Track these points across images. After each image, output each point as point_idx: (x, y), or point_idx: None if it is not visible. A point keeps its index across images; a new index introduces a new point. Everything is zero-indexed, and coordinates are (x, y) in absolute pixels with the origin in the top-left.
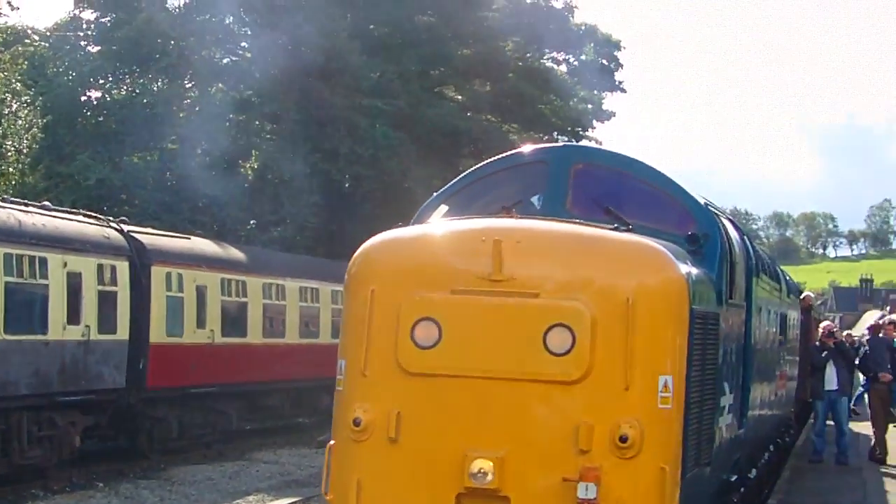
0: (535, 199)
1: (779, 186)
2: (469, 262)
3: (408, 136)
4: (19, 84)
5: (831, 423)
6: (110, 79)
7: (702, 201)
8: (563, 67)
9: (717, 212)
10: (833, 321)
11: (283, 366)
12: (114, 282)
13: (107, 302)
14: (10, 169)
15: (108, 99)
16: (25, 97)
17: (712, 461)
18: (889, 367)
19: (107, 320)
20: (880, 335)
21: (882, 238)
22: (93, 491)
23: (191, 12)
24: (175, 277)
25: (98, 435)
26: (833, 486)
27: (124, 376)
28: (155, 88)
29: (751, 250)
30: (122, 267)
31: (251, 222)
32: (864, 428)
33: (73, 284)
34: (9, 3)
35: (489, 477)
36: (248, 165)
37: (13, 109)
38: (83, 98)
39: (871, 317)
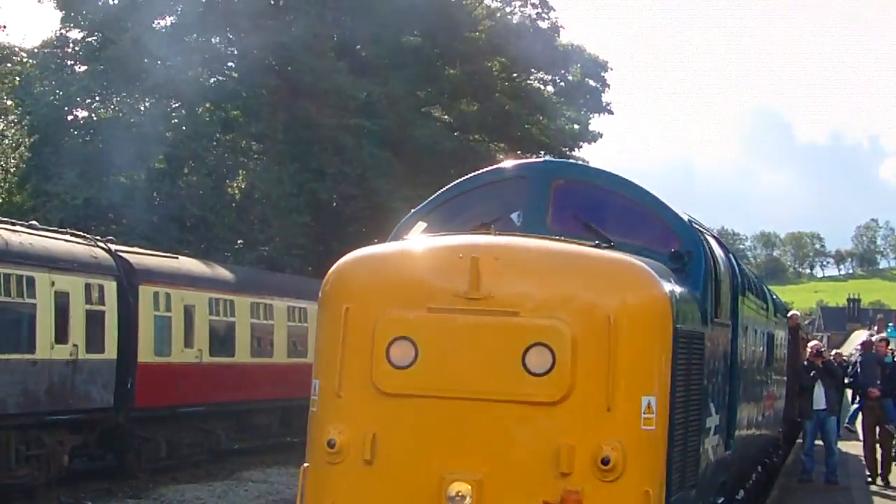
0: (514, 216)
1: (766, 206)
2: (446, 280)
3: (395, 155)
4: (9, 101)
5: (820, 442)
6: (97, 98)
7: (686, 218)
8: (550, 87)
9: (701, 229)
10: (821, 340)
11: (272, 385)
12: (101, 301)
13: (95, 321)
14: None
15: (95, 118)
16: (13, 116)
17: (698, 483)
18: (878, 383)
19: (95, 340)
20: (872, 351)
21: (869, 258)
22: None
23: (178, 32)
24: (163, 297)
25: (86, 454)
26: None
27: (112, 395)
28: (142, 108)
29: (736, 268)
30: (110, 286)
31: (239, 241)
32: (853, 447)
33: (61, 304)
34: None
35: (467, 500)
36: (236, 185)
37: (0, 129)
38: (70, 117)
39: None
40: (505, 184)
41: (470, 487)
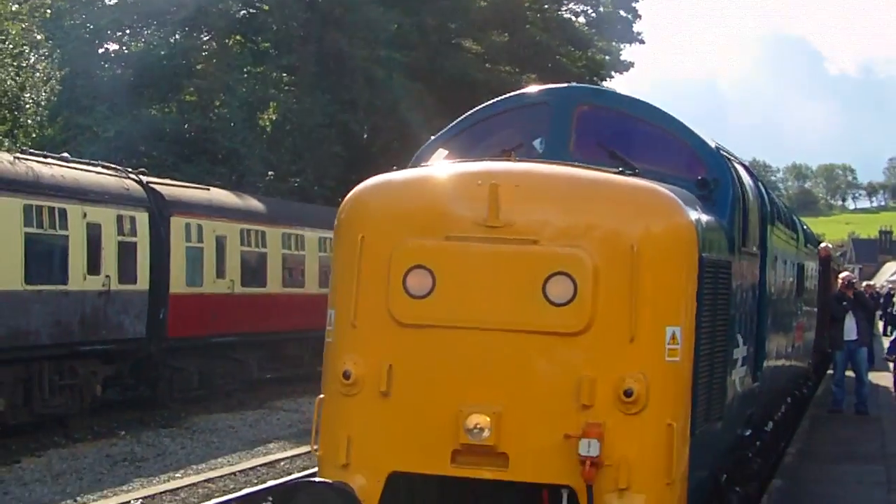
0: (537, 143)
1: (798, 138)
2: (465, 207)
3: (426, 87)
4: (39, 35)
5: (851, 374)
6: (128, 32)
7: (713, 145)
8: (582, 19)
9: (728, 156)
10: (852, 272)
11: (303, 315)
12: (133, 232)
13: (126, 252)
14: (29, 121)
15: (126, 51)
16: (44, 49)
17: (724, 416)
18: None
19: (127, 271)
20: None
21: None
22: (114, 439)
23: None
24: (194, 228)
25: (119, 384)
26: (852, 436)
27: (145, 326)
28: (172, 41)
29: (765, 197)
30: (142, 218)
31: (270, 173)
32: (883, 379)
33: (93, 235)
34: None
35: (486, 433)
36: (267, 116)
37: (31, 62)
38: (101, 50)
39: (890, 268)
40: (528, 110)
41: (489, 420)
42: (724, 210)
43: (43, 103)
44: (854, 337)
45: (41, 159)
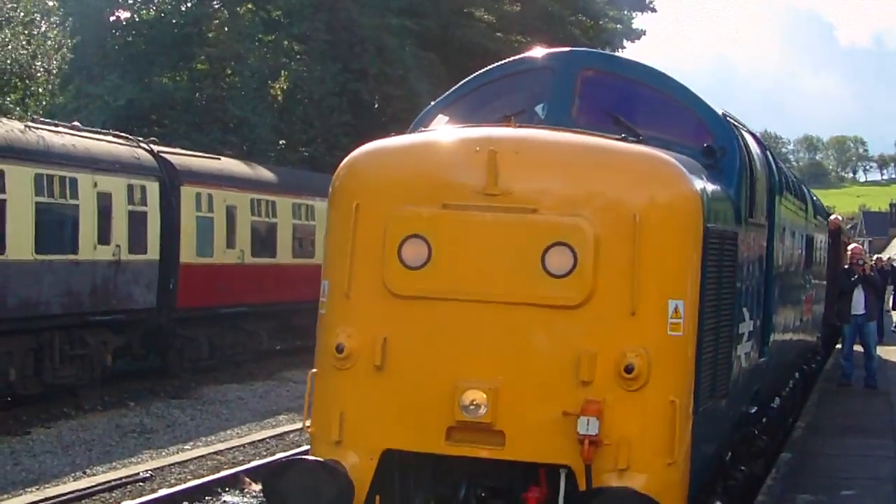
0: (539, 108)
1: (809, 110)
2: (462, 175)
3: (437, 56)
4: (50, 2)
5: (859, 348)
6: None
7: (720, 112)
8: None
9: (736, 124)
10: (862, 245)
11: (313, 286)
12: (144, 202)
13: (137, 222)
14: (40, 90)
15: (137, 19)
16: (55, 17)
17: (729, 392)
18: None
19: (137, 240)
20: None
21: None
22: (124, 410)
23: None
24: (205, 198)
25: (129, 354)
26: (861, 409)
27: (155, 296)
28: (183, 9)
29: (773, 167)
30: (152, 187)
31: (281, 142)
32: (893, 353)
33: (104, 205)
34: None
35: (482, 409)
36: (278, 86)
37: (42, 30)
38: (112, 18)
39: None
40: (530, 74)
41: (485, 396)
42: (731, 179)
43: (54, 71)
44: (862, 311)
45: (52, 128)
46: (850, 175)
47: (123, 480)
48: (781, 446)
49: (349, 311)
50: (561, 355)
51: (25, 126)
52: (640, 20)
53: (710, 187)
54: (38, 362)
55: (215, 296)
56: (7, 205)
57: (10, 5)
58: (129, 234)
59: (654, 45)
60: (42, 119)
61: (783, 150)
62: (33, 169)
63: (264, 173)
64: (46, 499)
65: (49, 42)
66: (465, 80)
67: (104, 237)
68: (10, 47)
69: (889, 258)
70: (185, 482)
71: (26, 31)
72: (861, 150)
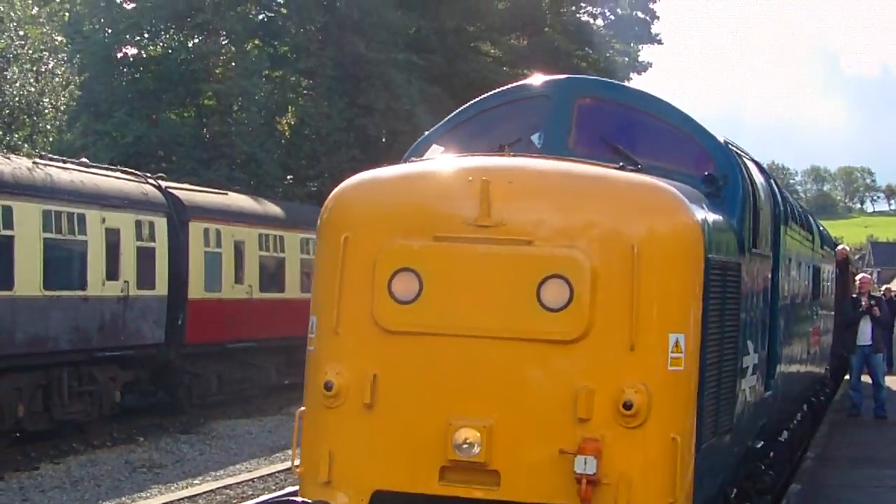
0: (535, 137)
1: (816, 140)
2: (454, 206)
3: (444, 91)
4: (58, 39)
5: (868, 378)
6: (146, 35)
7: (721, 139)
8: (600, 21)
9: (739, 152)
10: (871, 276)
11: None
12: (152, 238)
13: (145, 258)
14: (48, 126)
15: (145, 56)
16: (63, 54)
17: (734, 428)
18: None
19: (145, 276)
20: None
21: None
22: (133, 445)
23: None
24: (213, 233)
25: (138, 390)
26: (871, 440)
27: (163, 332)
28: (191, 45)
29: (778, 196)
30: (160, 223)
31: (288, 177)
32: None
33: (112, 240)
34: None
35: (476, 449)
36: (285, 121)
37: (50, 67)
38: (119, 55)
39: None
40: (526, 102)
41: (479, 434)
42: (734, 209)
43: (62, 108)
44: (868, 342)
45: (60, 164)
46: (858, 205)
47: None
48: (791, 478)
49: (338, 348)
50: (557, 391)
51: (33, 163)
52: (646, 52)
53: (712, 217)
54: (46, 398)
55: (224, 331)
56: (15, 241)
57: (17, 42)
58: (138, 270)
59: (660, 77)
60: (50, 156)
61: (791, 181)
62: (41, 205)
63: (272, 208)
64: None
65: (57, 79)
66: (460, 109)
67: (112, 273)
68: (18, 84)
69: None
70: None
71: (34, 69)
72: (868, 181)
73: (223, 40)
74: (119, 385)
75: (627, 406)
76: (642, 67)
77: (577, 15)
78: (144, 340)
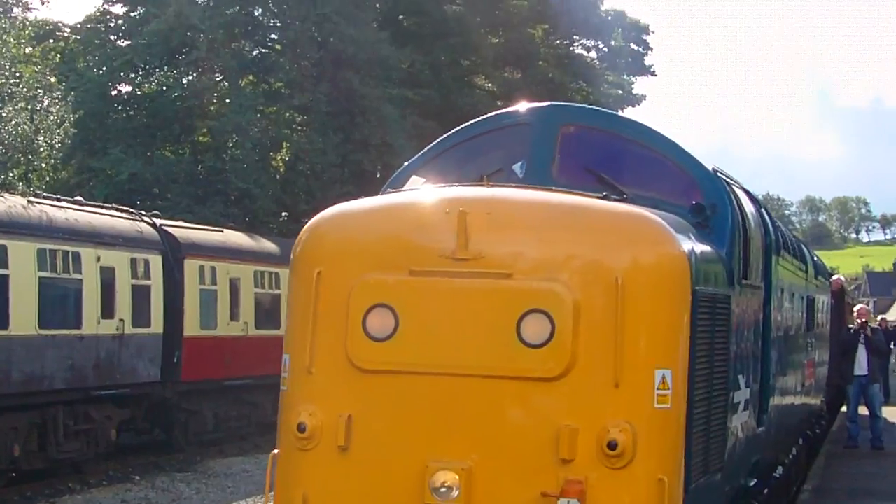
0: (517, 167)
1: (811, 171)
2: (430, 239)
3: (439, 125)
4: (53, 78)
5: (866, 411)
6: (140, 73)
7: (710, 168)
8: (593, 54)
9: (728, 180)
10: (867, 305)
11: None
12: (147, 275)
13: (140, 296)
14: (43, 164)
15: (139, 93)
16: (57, 92)
17: (725, 466)
18: None
19: (141, 314)
20: None
21: None
22: (129, 484)
23: (220, 5)
24: (208, 270)
25: (134, 428)
26: (869, 471)
27: (159, 370)
28: (185, 82)
29: (770, 225)
30: (156, 261)
31: (283, 214)
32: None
33: (107, 279)
34: None
35: (454, 492)
36: (280, 157)
37: (45, 105)
38: (114, 92)
39: None
40: (508, 131)
41: (458, 477)
42: (723, 239)
43: (57, 146)
44: (864, 372)
45: (55, 203)
46: (854, 235)
47: None
48: None
49: (311, 388)
50: (539, 431)
51: (28, 201)
52: (640, 84)
53: (700, 247)
54: (42, 438)
55: (220, 368)
56: (10, 280)
57: (12, 81)
58: (133, 308)
59: (654, 109)
60: (45, 194)
61: (786, 211)
62: (36, 244)
63: (267, 245)
64: None
65: (51, 117)
66: (442, 138)
67: (108, 311)
68: (13, 123)
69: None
70: None
71: (29, 107)
72: (864, 210)
73: (217, 77)
74: (115, 423)
75: (612, 446)
76: (637, 100)
77: (571, 48)
78: (140, 378)
